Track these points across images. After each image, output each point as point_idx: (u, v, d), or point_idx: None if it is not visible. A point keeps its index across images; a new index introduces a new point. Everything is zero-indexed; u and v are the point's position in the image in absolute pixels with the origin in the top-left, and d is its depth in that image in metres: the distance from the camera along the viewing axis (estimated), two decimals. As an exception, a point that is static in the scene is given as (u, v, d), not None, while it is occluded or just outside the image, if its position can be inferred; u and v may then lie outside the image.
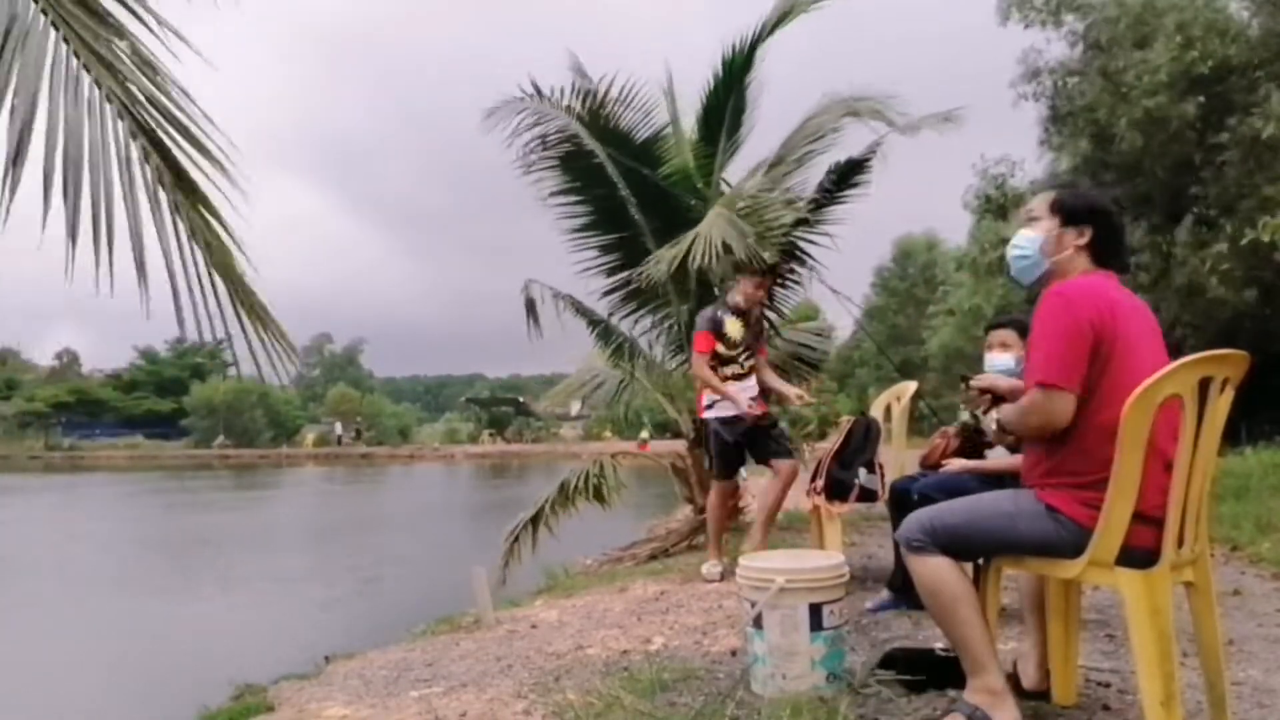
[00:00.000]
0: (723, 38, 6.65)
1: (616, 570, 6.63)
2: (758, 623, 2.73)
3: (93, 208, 2.35)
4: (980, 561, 2.46)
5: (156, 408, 56.63)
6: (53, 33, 2.45)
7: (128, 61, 2.53)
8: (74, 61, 2.45)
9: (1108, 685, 2.75)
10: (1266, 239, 11.46)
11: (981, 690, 2.19)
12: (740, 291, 4.97)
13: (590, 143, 6.77)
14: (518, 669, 3.54)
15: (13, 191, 2.27)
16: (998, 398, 2.58)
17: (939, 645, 2.76)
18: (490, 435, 52.68)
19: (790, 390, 5.06)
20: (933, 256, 39.03)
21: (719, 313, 4.98)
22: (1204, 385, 2.05)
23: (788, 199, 6.86)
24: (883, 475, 4.56)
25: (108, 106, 2.44)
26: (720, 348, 4.97)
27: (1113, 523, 2.03)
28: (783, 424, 5.32)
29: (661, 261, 5.83)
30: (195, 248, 2.47)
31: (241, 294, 2.55)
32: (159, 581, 10.97)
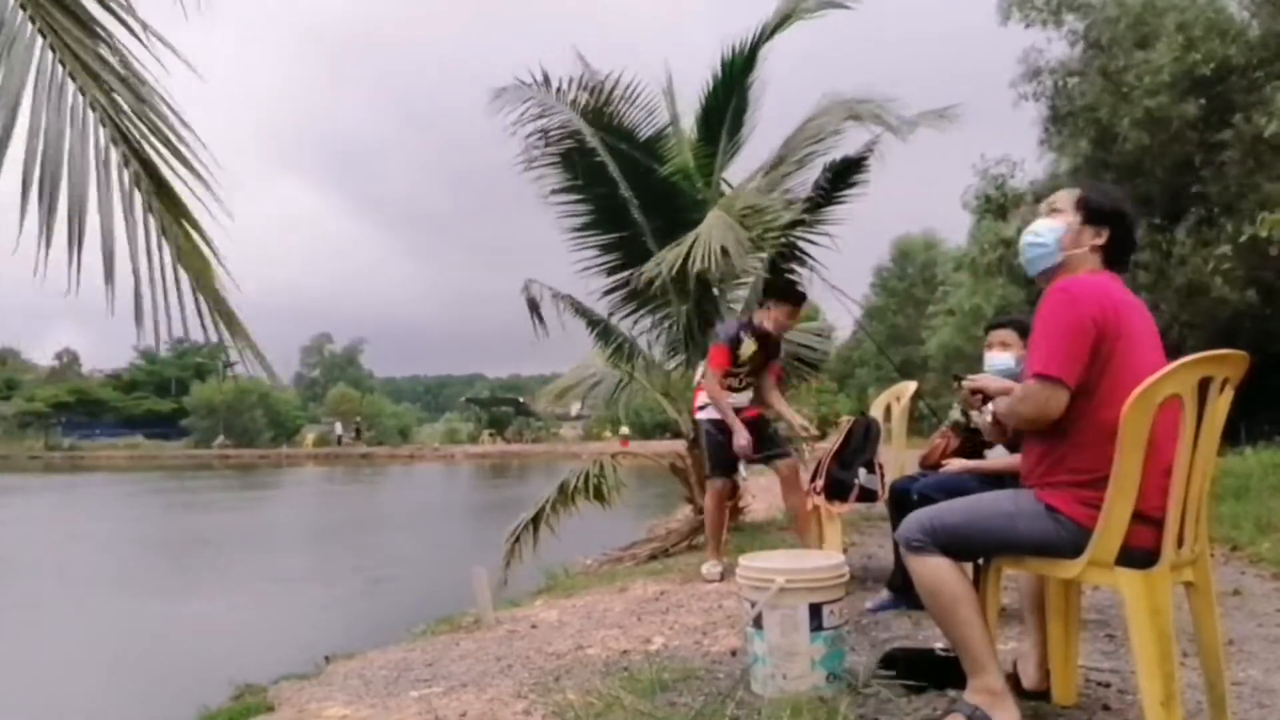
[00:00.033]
0: (723, 38, 6.67)
1: (616, 570, 6.63)
2: (758, 623, 2.73)
3: (68, 213, 2.36)
4: (980, 561, 2.46)
5: (156, 408, 56.64)
6: (39, 40, 2.45)
7: (114, 70, 2.53)
8: (59, 70, 2.45)
9: (1108, 685, 2.75)
10: (1264, 234, 11.46)
11: (981, 690, 2.20)
12: (771, 318, 4.91)
13: (593, 140, 6.78)
14: (518, 669, 3.54)
15: None
16: (990, 398, 2.58)
17: (939, 645, 2.76)
18: (490, 435, 52.65)
19: (795, 420, 4.99)
20: (931, 256, 39.01)
21: (740, 331, 4.93)
22: (1204, 385, 2.05)
23: (788, 200, 6.88)
24: (883, 475, 4.56)
25: (90, 114, 2.45)
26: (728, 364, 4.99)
27: (1112, 523, 2.04)
28: (779, 425, 5.30)
29: (661, 263, 5.84)
30: (166, 254, 2.48)
31: (213, 302, 2.55)
32: (159, 581, 10.96)
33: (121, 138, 2.46)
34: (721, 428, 5.01)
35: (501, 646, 4.08)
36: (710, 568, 5.15)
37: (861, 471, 4.52)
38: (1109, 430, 2.03)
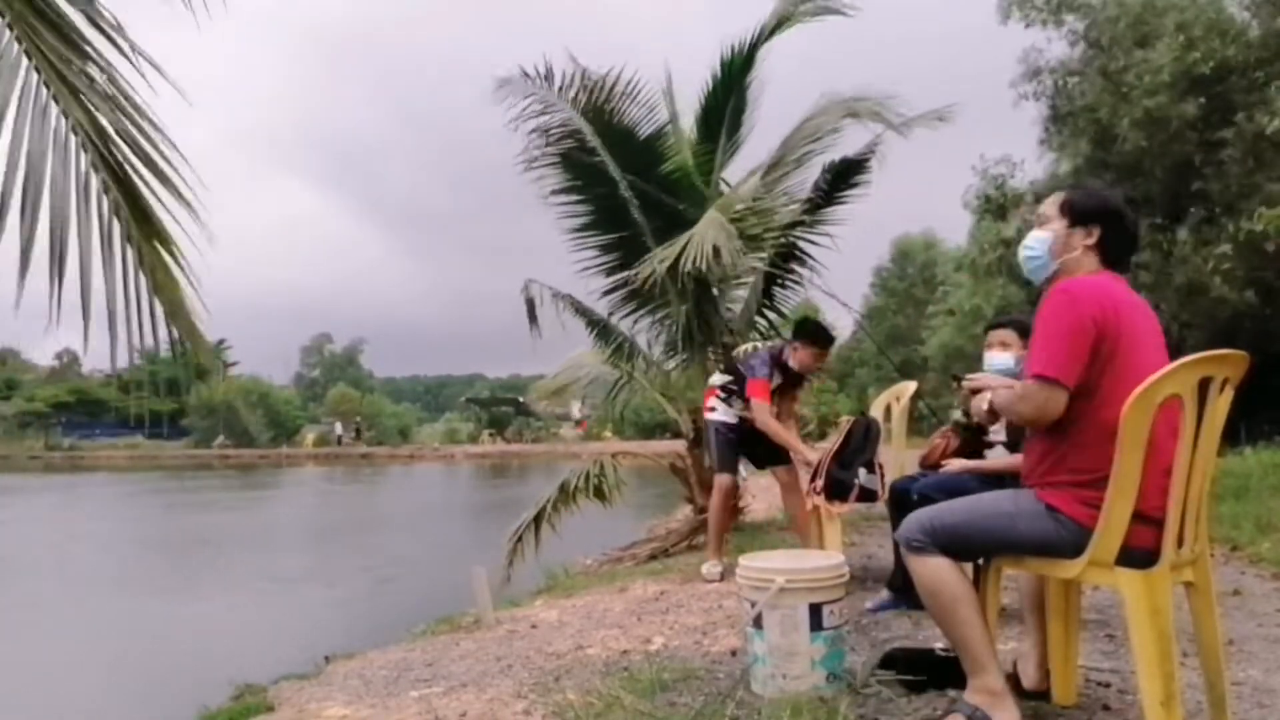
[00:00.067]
0: (722, 39, 6.69)
1: (616, 570, 6.63)
2: (758, 623, 2.73)
3: (49, 245, 2.37)
4: (980, 561, 2.46)
5: (156, 408, 56.61)
6: (25, 61, 2.45)
7: (99, 89, 2.52)
8: (44, 92, 2.45)
9: (1108, 685, 2.75)
10: (1260, 228, 11.47)
11: (981, 690, 2.20)
12: (798, 358, 4.94)
13: (593, 139, 6.79)
14: (518, 669, 3.54)
15: None
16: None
17: (939, 645, 2.76)
18: (490, 435, 52.65)
19: (804, 453, 4.95)
20: (931, 256, 39.01)
21: (772, 366, 4.95)
22: (1204, 385, 2.05)
23: (787, 200, 6.89)
24: (883, 475, 4.56)
25: (73, 138, 2.45)
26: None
27: (1112, 523, 2.04)
28: None
29: (653, 262, 5.87)
30: (143, 283, 2.49)
31: (186, 333, 2.57)
32: (159, 581, 10.96)
33: (103, 163, 2.46)
34: (731, 427, 5.13)
35: (501, 646, 4.08)
36: (710, 568, 5.15)
37: (861, 471, 4.51)
38: (1109, 430, 2.03)
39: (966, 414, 3.03)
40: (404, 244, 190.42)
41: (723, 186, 7.15)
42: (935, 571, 2.21)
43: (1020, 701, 2.27)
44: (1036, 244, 2.37)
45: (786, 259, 6.82)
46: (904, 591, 3.59)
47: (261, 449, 48.76)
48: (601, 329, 7.47)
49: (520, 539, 6.83)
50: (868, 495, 4.54)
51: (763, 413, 4.89)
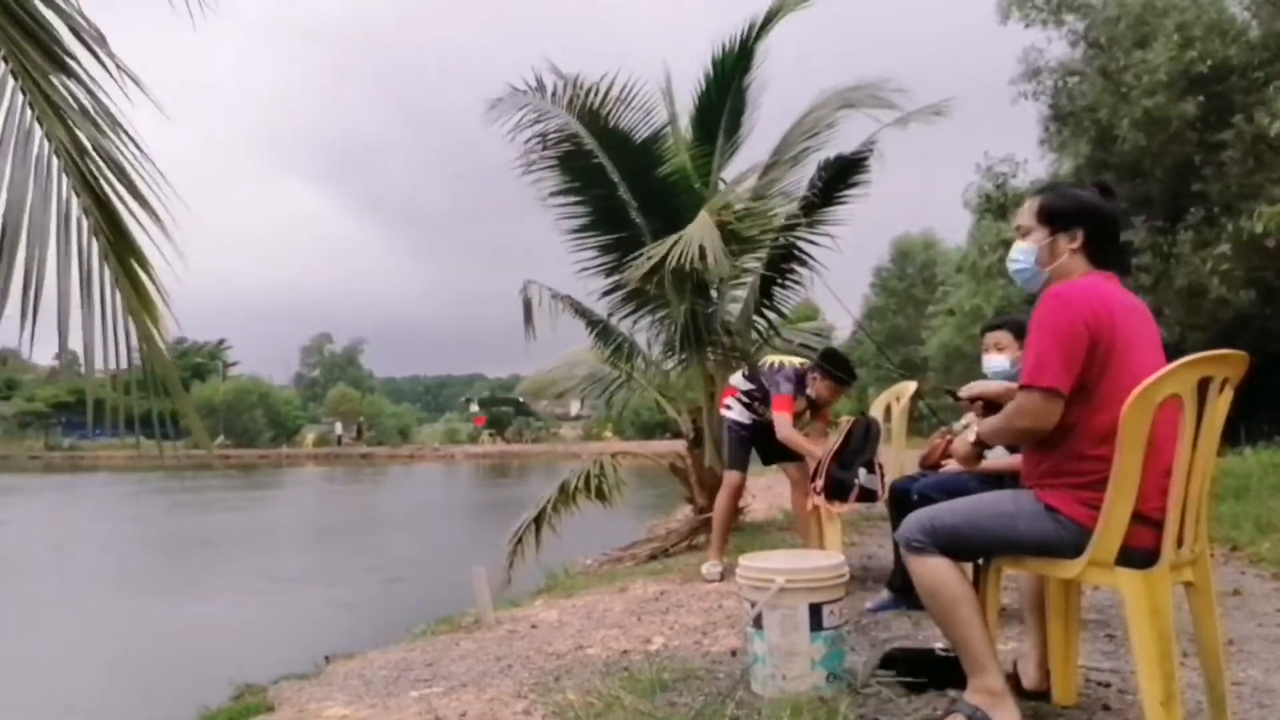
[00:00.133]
0: (712, 37, 6.69)
1: (616, 570, 6.63)
2: (758, 623, 2.73)
3: (24, 276, 2.37)
4: (980, 561, 2.46)
5: (156, 408, 56.52)
6: (11, 81, 2.45)
7: (81, 106, 2.53)
8: (29, 114, 2.45)
9: (1108, 685, 2.75)
10: (1260, 228, 11.47)
11: (981, 690, 2.20)
12: (815, 389, 4.97)
13: (590, 142, 6.78)
14: (518, 669, 3.54)
15: None
16: (990, 404, 2.58)
17: (939, 645, 2.76)
18: (490, 435, 52.66)
19: (816, 453, 4.94)
20: (930, 256, 39.00)
21: (795, 387, 4.98)
22: (1203, 385, 2.05)
23: (785, 200, 6.88)
24: (883, 475, 4.56)
25: (55, 161, 2.45)
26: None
27: (1112, 523, 2.04)
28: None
29: (643, 261, 5.90)
30: (119, 307, 2.51)
31: (156, 361, 2.59)
32: (159, 581, 10.97)
33: (85, 187, 2.47)
34: (744, 426, 5.20)
35: (501, 646, 4.08)
36: (710, 568, 5.15)
37: (861, 471, 4.52)
38: (1108, 431, 2.03)
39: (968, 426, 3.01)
40: (404, 244, 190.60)
41: (721, 188, 7.14)
42: (935, 571, 2.21)
43: (1020, 701, 2.27)
44: (1022, 255, 2.36)
45: (785, 259, 6.81)
46: (904, 591, 3.59)
47: (261, 449, 48.77)
48: (601, 329, 7.47)
49: (520, 539, 6.83)
50: (868, 495, 4.54)
51: (784, 426, 4.93)
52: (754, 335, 7.17)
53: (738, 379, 5.37)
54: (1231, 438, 10.48)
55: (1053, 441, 2.16)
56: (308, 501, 24.69)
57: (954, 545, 2.23)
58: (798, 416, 5.10)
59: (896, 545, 2.81)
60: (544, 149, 6.89)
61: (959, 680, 2.29)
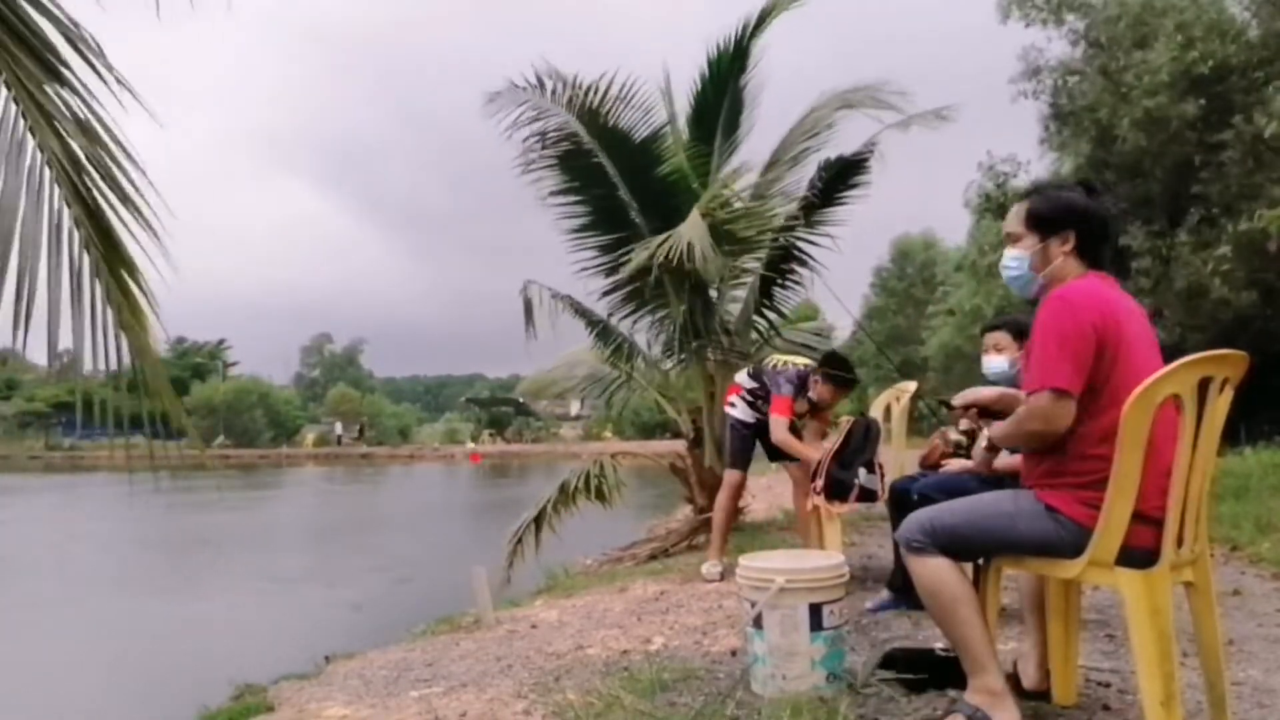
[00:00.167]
0: (706, 38, 6.70)
1: (616, 570, 6.63)
2: (758, 623, 2.73)
3: (18, 276, 2.39)
4: (980, 561, 2.46)
5: (156, 408, 56.55)
6: (4, 92, 2.45)
7: (75, 114, 2.53)
8: (21, 124, 2.46)
9: (1108, 685, 2.75)
10: (1261, 228, 11.47)
11: (982, 690, 2.19)
12: (817, 391, 4.97)
13: (589, 141, 6.78)
14: (518, 669, 3.54)
15: None
16: (985, 411, 2.58)
17: (939, 645, 2.76)
18: (490, 435, 52.66)
19: (811, 456, 4.97)
20: (930, 256, 39.01)
21: (796, 389, 4.99)
22: (1203, 385, 2.05)
23: (784, 200, 6.88)
24: (883, 475, 4.56)
25: (47, 172, 2.46)
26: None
27: (1112, 523, 2.04)
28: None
29: (635, 258, 5.92)
30: (110, 320, 2.52)
31: (149, 371, 2.60)
32: (159, 581, 10.96)
33: (76, 197, 2.48)
34: (747, 425, 5.21)
35: (501, 646, 4.08)
36: (710, 568, 5.15)
37: (861, 471, 4.51)
38: (1109, 431, 2.03)
39: (965, 433, 3.02)
40: (404, 244, 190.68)
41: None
42: (935, 571, 2.21)
43: (1020, 701, 2.27)
44: (1014, 262, 2.36)
45: (785, 259, 6.82)
46: (904, 591, 3.59)
47: (261, 449, 48.75)
48: (601, 329, 7.47)
49: (520, 539, 6.83)
50: (868, 495, 4.54)
51: (780, 429, 4.94)
52: (754, 335, 7.17)
53: (742, 377, 5.37)
54: (1231, 438, 10.48)
55: (1054, 442, 2.16)
56: (308, 501, 24.68)
57: (954, 545, 2.23)
58: (799, 417, 5.10)
59: (896, 545, 2.81)
60: (543, 148, 6.89)
61: (959, 680, 2.29)
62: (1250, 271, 12.95)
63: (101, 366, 2.53)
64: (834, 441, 4.68)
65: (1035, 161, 16.76)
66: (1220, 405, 2.09)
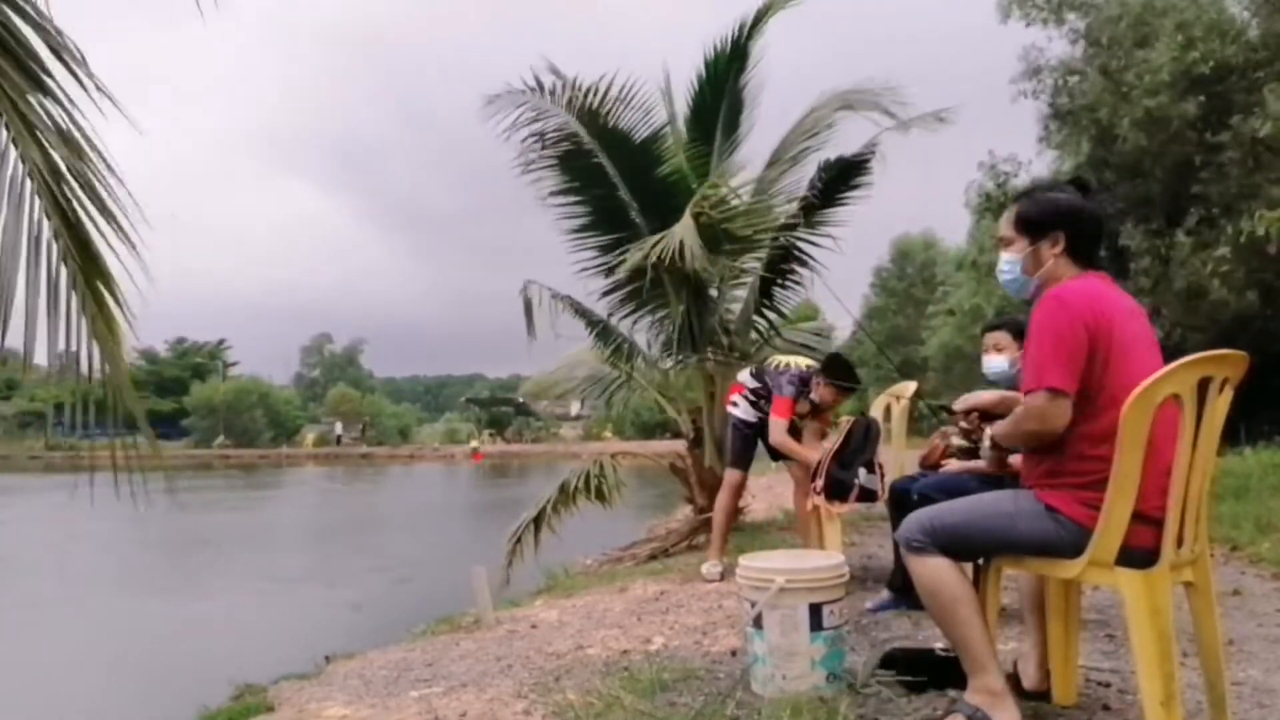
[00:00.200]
0: (703, 38, 6.71)
1: (616, 570, 6.63)
2: (758, 623, 2.73)
3: None
4: (980, 561, 2.46)
5: (157, 408, 56.61)
6: None
7: (56, 124, 2.54)
8: (3, 135, 2.46)
9: (1108, 685, 2.75)
10: (1262, 232, 11.47)
11: (982, 690, 2.19)
12: (819, 393, 4.97)
13: (589, 142, 6.78)
14: (518, 669, 3.54)
15: None
16: (986, 415, 2.58)
17: (939, 645, 2.76)
18: (490, 435, 52.65)
19: (809, 457, 4.97)
20: (930, 256, 39.03)
21: (798, 391, 4.99)
22: (1203, 385, 2.05)
23: (784, 200, 6.88)
24: (882, 475, 4.56)
25: (29, 183, 2.47)
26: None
27: (1112, 523, 2.03)
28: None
29: (631, 258, 5.93)
30: (84, 331, 2.54)
31: (119, 385, 2.62)
32: (159, 581, 10.97)
33: (56, 209, 2.49)
34: (749, 425, 5.22)
35: (501, 646, 4.08)
36: (710, 568, 5.15)
37: (861, 471, 4.52)
38: (1109, 432, 2.02)
39: (968, 437, 3.01)
40: (404, 244, 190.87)
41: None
42: (935, 571, 2.21)
43: (1020, 701, 2.27)
44: (1008, 265, 2.38)
45: (785, 259, 6.81)
46: (904, 591, 3.59)
47: (261, 449, 48.76)
48: (601, 329, 7.47)
49: (520, 539, 6.83)
50: (868, 495, 4.54)
51: (778, 430, 4.94)
52: (754, 335, 7.17)
53: (745, 376, 5.37)
54: (1231, 438, 10.48)
55: (1053, 442, 2.16)
56: (308, 501, 24.68)
57: (954, 545, 2.23)
58: (800, 417, 5.10)
59: (896, 545, 2.81)
60: (543, 148, 6.89)
61: (959, 680, 2.29)
62: (1249, 272, 12.95)
63: (76, 366, 2.53)
64: (834, 442, 4.68)
65: (1035, 160, 16.78)
66: (1220, 405, 2.09)
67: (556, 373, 8.73)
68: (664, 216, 6.61)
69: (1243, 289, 13.02)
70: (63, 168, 2.52)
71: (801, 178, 7.00)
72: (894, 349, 33.09)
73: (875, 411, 5.37)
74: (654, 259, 5.75)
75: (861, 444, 4.58)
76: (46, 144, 2.51)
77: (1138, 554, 2.04)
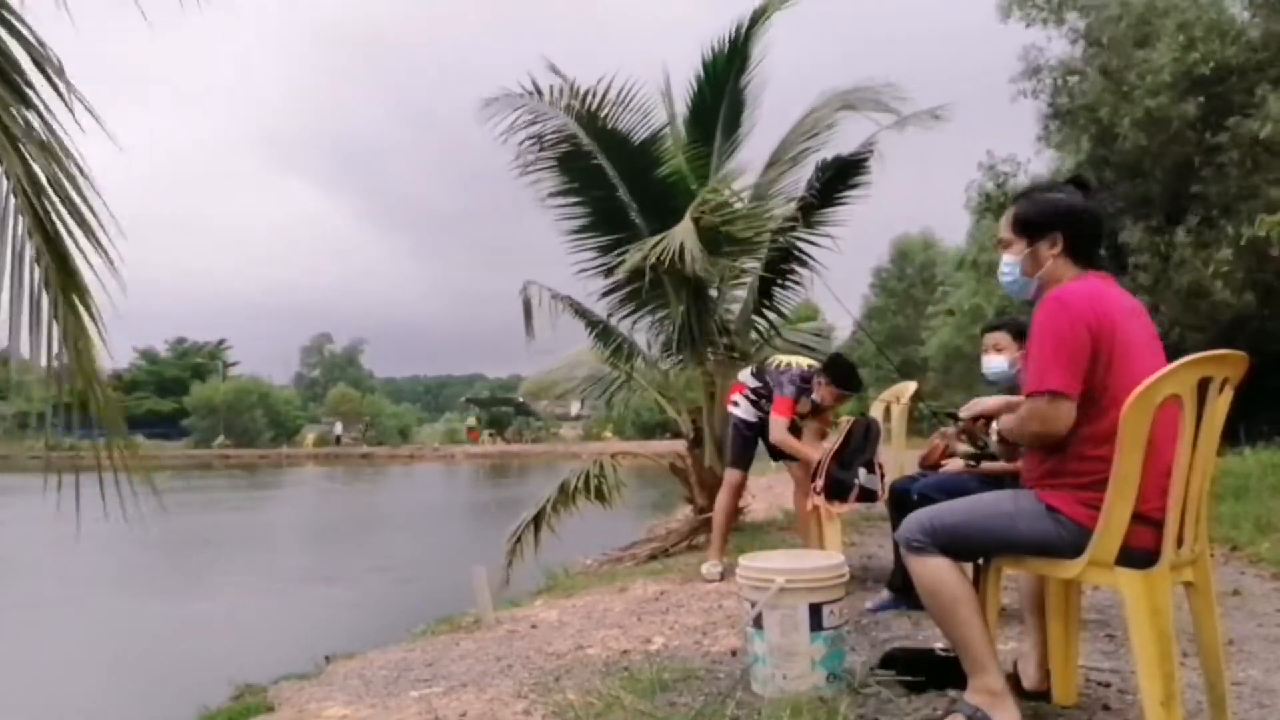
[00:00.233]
0: (701, 39, 6.71)
1: (616, 570, 6.63)
2: (758, 623, 2.73)
3: None
4: (980, 561, 2.46)
5: (157, 408, 56.63)
6: None
7: (37, 137, 2.56)
8: None
9: (1108, 685, 2.75)
10: (1263, 234, 11.46)
11: (982, 690, 2.20)
12: (820, 393, 4.97)
13: (589, 143, 6.78)
14: (518, 669, 3.54)
15: None
16: (992, 419, 2.58)
17: (939, 645, 2.77)
18: (490, 435, 52.62)
19: (810, 455, 4.98)
20: (930, 256, 38.99)
21: (799, 391, 4.99)
22: (1203, 385, 2.05)
23: (783, 201, 6.88)
24: (882, 475, 4.56)
25: (12, 200, 2.49)
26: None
27: (1112, 523, 2.04)
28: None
29: (629, 259, 5.93)
30: (65, 349, 2.56)
31: (101, 396, 2.65)
32: (159, 581, 10.97)
33: (38, 226, 2.51)
34: (749, 425, 5.22)
35: (501, 646, 4.08)
36: (710, 568, 5.15)
37: (861, 471, 4.52)
38: (1109, 432, 2.03)
39: (974, 442, 3.00)
40: (405, 244, 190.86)
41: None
42: (935, 571, 2.21)
43: (1020, 701, 2.27)
44: (1008, 268, 2.38)
45: (785, 259, 6.81)
46: (904, 591, 3.59)
47: (262, 449, 48.75)
48: (601, 330, 7.47)
49: (520, 539, 6.83)
50: (868, 495, 4.54)
51: (778, 429, 4.95)
52: (754, 335, 7.17)
53: (746, 375, 5.37)
54: (1231, 438, 10.47)
55: (1057, 442, 2.16)
56: (308, 501, 24.68)
57: (954, 545, 2.23)
58: (800, 417, 5.10)
59: (896, 545, 2.81)
60: (541, 150, 6.89)
61: (959, 680, 2.29)
62: (1249, 272, 12.94)
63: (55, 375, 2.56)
64: (834, 441, 4.68)
65: (1034, 160, 16.77)
66: (1220, 405, 2.09)
67: (555, 372, 8.73)
68: (664, 217, 6.61)
69: (1241, 289, 13.02)
70: (43, 179, 2.54)
71: (801, 179, 7.01)
72: (894, 349, 33.08)
73: (875, 411, 5.37)
74: (653, 261, 5.75)
75: (861, 444, 4.58)
76: (28, 156, 2.52)
77: (1138, 554, 2.04)
